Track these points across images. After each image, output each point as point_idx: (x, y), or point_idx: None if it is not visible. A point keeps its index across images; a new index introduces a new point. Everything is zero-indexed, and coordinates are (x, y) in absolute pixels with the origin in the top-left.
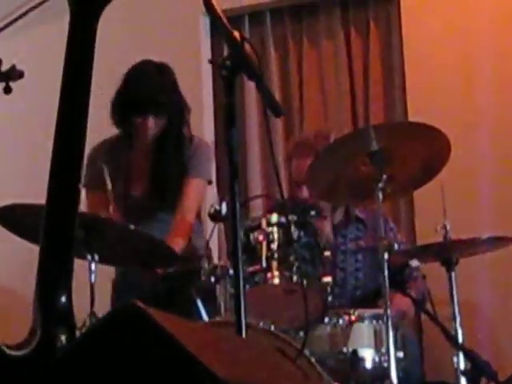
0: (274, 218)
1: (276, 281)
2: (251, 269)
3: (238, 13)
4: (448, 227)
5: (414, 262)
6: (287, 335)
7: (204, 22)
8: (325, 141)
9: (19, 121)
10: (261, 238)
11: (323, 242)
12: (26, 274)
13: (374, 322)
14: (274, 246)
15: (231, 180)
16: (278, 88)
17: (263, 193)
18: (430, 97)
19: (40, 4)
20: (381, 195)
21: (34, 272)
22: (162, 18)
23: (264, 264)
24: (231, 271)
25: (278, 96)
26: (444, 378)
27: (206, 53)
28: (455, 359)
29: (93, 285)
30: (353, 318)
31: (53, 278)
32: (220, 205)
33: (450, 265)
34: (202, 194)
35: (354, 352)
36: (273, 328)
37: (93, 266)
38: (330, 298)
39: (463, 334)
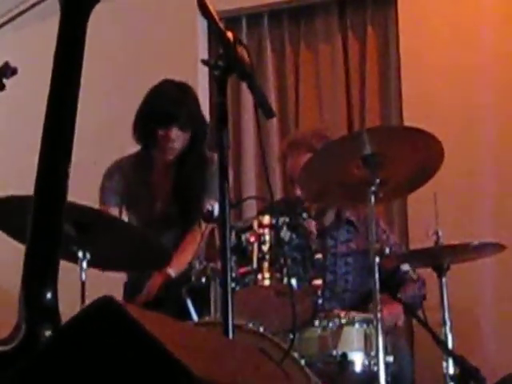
0: (266, 219)
1: (267, 282)
2: (242, 270)
3: (235, 14)
4: (440, 233)
5: (405, 266)
6: (276, 337)
7: (201, 23)
8: (321, 139)
9: (15, 117)
10: (252, 239)
11: (314, 245)
12: (12, 270)
13: (364, 325)
14: (266, 247)
15: (221, 180)
16: (274, 90)
17: (258, 194)
18: (426, 102)
19: (38, 3)
20: (373, 199)
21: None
22: (159, 18)
23: (255, 265)
24: None
25: (274, 98)
26: (433, 383)
27: (203, 53)
28: (445, 364)
29: (84, 283)
30: (343, 321)
31: (39, 274)
32: (212, 206)
33: (441, 270)
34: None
35: (344, 355)
36: (262, 329)
37: (84, 264)
38: (320, 301)
39: (453, 340)
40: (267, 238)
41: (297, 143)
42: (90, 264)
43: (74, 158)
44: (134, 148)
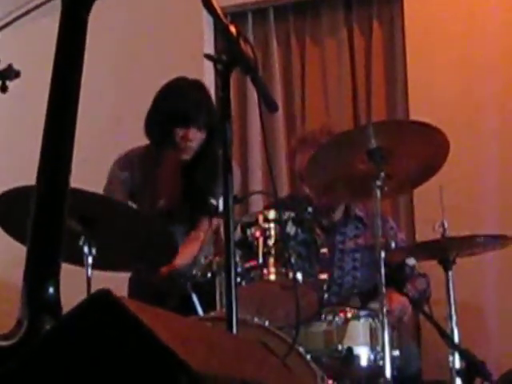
0: (272, 214)
1: (272, 277)
2: (247, 265)
3: (241, 9)
4: (446, 225)
5: (411, 261)
6: (282, 331)
7: (207, 18)
8: (329, 135)
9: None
10: (258, 233)
11: (320, 239)
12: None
13: (370, 320)
14: (271, 242)
15: (225, 174)
16: (280, 84)
17: (263, 189)
18: (431, 96)
19: (43, 4)
20: (379, 193)
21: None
22: (165, 12)
23: (260, 260)
24: None
25: (279, 92)
26: (439, 377)
27: (209, 48)
28: (451, 358)
29: (89, 278)
30: (349, 315)
31: (41, 269)
32: (217, 200)
33: (447, 264)
34: None
35: (349, 350)
36: (267, 324)
37: (90, 259)
38: (326, 296)
39: (459, 334)
40: (273, 232)
41: (305, 140)
42: (96, 263)
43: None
44: (134, 144)
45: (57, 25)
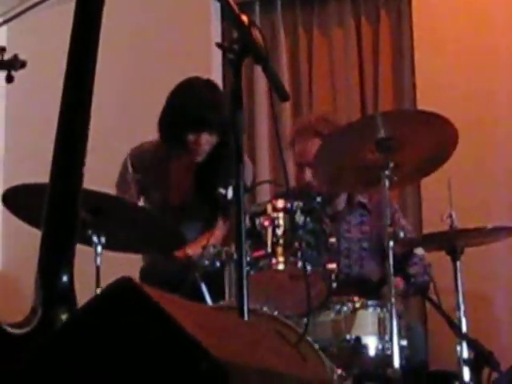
0: (280, 203)
1: (281, 266)
2: (256, 254)
3: None
4: (454, 216)
5: (420, 251)
6: (290, 321)
7: (214, 6)
8: (326, 123)
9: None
10: (266, 223)
11: (328, 229)
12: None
13: (378, 309)
14: (280, 231)
15: (236, 164)
16: (287, 75)
17: (271, 178)
18: (439, 85)
19: None
20: (387, 183)
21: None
22: (173, 2)
23: (269, 249)
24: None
25: (287, 83)
26: (447, 367)
27: (217, 37)
28: (458, 348)
29: (98, 267)
30: (357, 305)
31: (55, 257)
32: (226, 189)
33: (455, 254)
34: None
35: (358, 339)
36: (276, 313)
37: (99, 248)
38: (334, 285)
39: (467, 324)
40: (281, 222)
41: (303, 129)
42: (104, 247)
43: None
44: (141, 133)
45: (69, 13)
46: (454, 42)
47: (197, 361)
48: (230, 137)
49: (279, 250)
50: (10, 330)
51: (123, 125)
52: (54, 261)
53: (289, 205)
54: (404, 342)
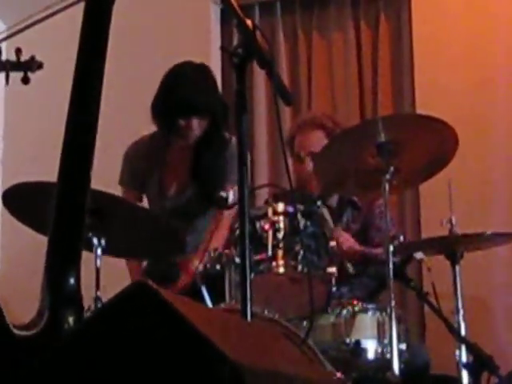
0: (281, 206)
1: (281, 270)
2: (257, 257)
3: (248, 2)
4: (454, 221)
5: (419, 255)
6: (291, 324)
7: (214, 11)
8: (331, 119)
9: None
10: (267, 226)
11: (328, 232)
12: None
13: (378, 313)
14: (280, 235)
15: (240, 167)
16: (287, 78)
17: (270, 181)
18: (438, 89)
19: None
20: (387, 187)
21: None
22: (173, 6)
23: (269, 253)
24: (236, 259)
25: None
26: (446, 371)
27: (216, 41)
28: (457, 352)
29: (98, 269)
30: (356, 308)
31: (62, 260)
32: (227, 192)
33: (454, 259)
34: None
35: (357, 343)
36: (277, 316)
37: (98, 250)
38: (334, 289)
39: (466, 328)
40: (282, 225)
41: (307, 121)
42: (104, 251)
43: None
44: (140, 130)
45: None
46: (453, 45)
47: (214, 364)
48: (222, 120)
49: (279, 253)
50: (16, 331)
51: (123, 127)
52: (61, 263)
53: (289, 208)
54: (403, 346)
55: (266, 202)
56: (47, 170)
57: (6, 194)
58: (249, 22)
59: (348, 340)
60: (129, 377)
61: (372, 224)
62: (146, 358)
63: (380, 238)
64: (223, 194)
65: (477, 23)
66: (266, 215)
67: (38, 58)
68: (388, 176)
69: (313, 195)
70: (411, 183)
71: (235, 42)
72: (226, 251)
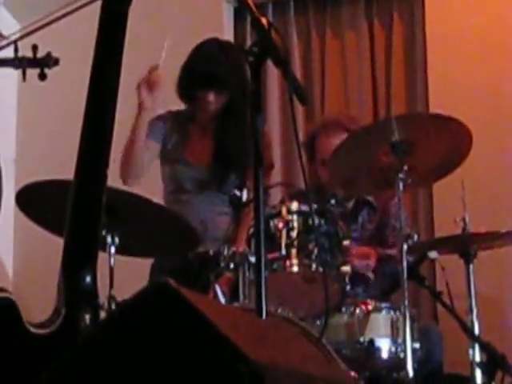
0: (295, 205)
1: (295, 268)
2: (270, 256)
3: (262, 1)
4: (467, 220)
5: (433, 254)
6: (304, 322)
7: (227, 10)
8: (353, 120)
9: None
10: (281, 225)
11: (342, 231)
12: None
13: (392, 312)
14: (294, 233)
15: (256, 166)
16: (300, 77)
17: (283, 180)
18: (452, 89)
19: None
20: (401, 186)
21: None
22: (186, 5)
23: (283, 251)
24: (250, 257)
25: None
26: (459, 370)
27: (229, 39)
28: (471, 351)
29: (112, 268)
30: (370, 307)
31: (79, 258)
32: (240, 191)
33: (468, 257)
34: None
35: (371, 342)
36: (291, 315)
37: (112, 249)
38: (348, 288)
39: (480, 327)
40: (295, 224)
41: (331, 123)
42: (118, 250)
43: None
44: None
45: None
46: (467, 43)
47: (235, 364)
48: (241, 98)
49: (293, 252)
50: (32, 329)
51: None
52: (78, 261)
53: (303, 207)
54: (417, 345)
55: (282, 201)
56: (61, 169)
57: (19, 194)
58: (264, 21)
59: (362, 339)
60: (149, 376)
61: (387, 224)
62: (166, 357)
63: (395, 237)
64: (237, 193)
65: (490, 21)
66: (279, 214)
67: (54, 54)
68: (402, 175)
69: (327, 194)
70: (425, 182)
71: (248, 40)
72: (240, 250)
